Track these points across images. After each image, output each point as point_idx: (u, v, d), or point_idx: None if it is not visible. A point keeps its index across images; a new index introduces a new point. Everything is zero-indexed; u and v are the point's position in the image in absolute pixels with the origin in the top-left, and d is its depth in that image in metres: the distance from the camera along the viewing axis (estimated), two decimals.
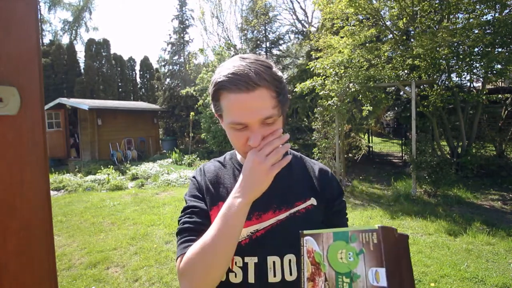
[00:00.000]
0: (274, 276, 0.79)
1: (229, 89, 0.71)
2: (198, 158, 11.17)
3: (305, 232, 0.64)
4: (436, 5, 6.98)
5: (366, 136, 12.73)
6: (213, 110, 0.82)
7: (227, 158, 0.95)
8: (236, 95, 0.70)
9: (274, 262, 0.79)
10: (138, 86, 24.40)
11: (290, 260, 0.80)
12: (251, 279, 0.79)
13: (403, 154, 10.02)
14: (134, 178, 8.82)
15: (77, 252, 3.90)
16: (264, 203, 0.82)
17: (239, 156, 0.92)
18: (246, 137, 0.74)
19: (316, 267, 0.59)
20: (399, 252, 0.50)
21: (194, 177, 0.92)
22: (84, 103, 12.13)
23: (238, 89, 0.70)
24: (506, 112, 7.96)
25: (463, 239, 3.92)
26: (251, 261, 0.79)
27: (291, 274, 0.79)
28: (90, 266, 3.50)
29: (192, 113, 12.87)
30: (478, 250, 3.62)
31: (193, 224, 0.81)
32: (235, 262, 0.80)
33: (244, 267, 0.80)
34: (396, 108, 12.65)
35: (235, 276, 0.80)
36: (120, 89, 22.67)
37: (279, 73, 0.77)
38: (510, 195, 5.91)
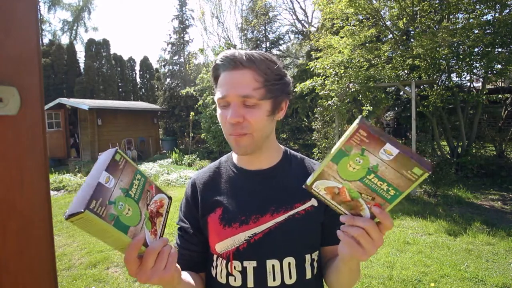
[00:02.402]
0: (274, 280, 0.78)
1: (222, 68, 0.78)
2: (198, 158, 11.17)
3: (307, 182, 0.63)
4: (436, 5, 6.98)
5: None
6: (215, 98, 0.85)
7: (223, 160, 0.94)
8: (225, 72, 0.77)
9: (273, 266, 0.78)
10: (138, 86, 24.39)
11: (289, 264, 0.78)
12: (250, 283, 0.78)
13: None
14: None
15: (77, 252, 3.90)
16: (262, 206, 0.81)
17: (235, 158, 0.91)
18: (226, 116, 0.76)
19: (342, 197, 0.61)
20: (381, 131, 0.58)
21: (185, 192, 0.92)
22: (84, 103, 12.13)
23: (226, 66, 0.76)
24: (506, 112, 7.95)
25: (463, 239, 3.92)
26: (250, 265, 0.78)
27: (290, 278, 0.78)
28: (90, 266, 3.50)
29: (192, 113, 12.87)
30: (478, 250, 3.62)
31: (178, 247, 0.88)
32: (234, 267, 0.79)
33: (243, 271, 0.78)
34: (396, 108, 12.64)
35: (235, 280, 0.79)
36: (120, 89, 22.67)
37: (280, 71, 0.80)
38: (510, 195, 5.91)
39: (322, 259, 0.87)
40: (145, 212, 0.60)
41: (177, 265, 0.69)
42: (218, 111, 0.80)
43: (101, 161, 0.58)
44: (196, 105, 12.30)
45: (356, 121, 0.56)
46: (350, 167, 0.58)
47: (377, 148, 0.56)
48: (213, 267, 0.84)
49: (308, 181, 0.63)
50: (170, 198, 0.69)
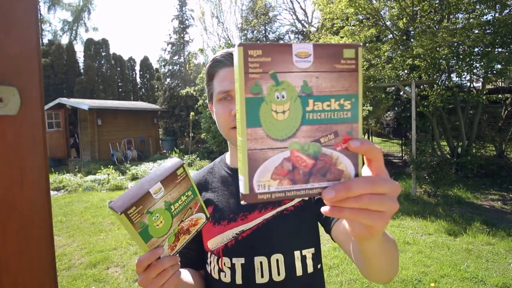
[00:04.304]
0: (262, 276, 0.78)
1: (223, 64, 0.79)
2: (198, 158, 11.17)
3: (243, 192, 0.37)
4: (436, 5, 6.99)
5: (366, 136, 12.74)
6: (206, 94, 0.87)
7: (216, 162, 0.98)
8: (228, 68, 0.79)
9: (261, 263, 0.79)
10: (138, 86, 24.41)
11: (277, 260, 0.79)
12: (239, 280, 0.79)
13: (403, 154, 10.03)
14: (134, 178, 8.82)
15: (77, 252, 3.90)
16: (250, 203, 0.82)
17: (228, 159, 0.94)
18: (230, 109, 0.78)
19: (303, 167, 0.38)
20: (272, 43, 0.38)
21: None
22: (84, 103, 12.13)
23: (228, 63, 0.79)
24: (506, 112, 7.96)
25: (463, 239, 3.92)
26: (238, 262, 0.79)
27: (279, 274, 0.78)
28: (90, 266, 3.50)
29: (192, 113, 12.87)
30: (478, 250, 3.62)
31: None
32: (224, 263, 0.81)
33: (232, 268, 0.80)
34: (396, 108, 12.65)
35: (225, 276, 0.81)
36: (120, 89, 22.69)
37: None
38: (510, 195, 5.91)
39: (341, 245, 0.77)
40: (175, 227, 0.62)
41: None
42: (217, 106, 0.81)
43: (162, 169, 0.60)
44: (196, 105, 12.30)
45: (235, 47, 0.36)
46: (279, 114, 0.36)
47: (287, 58, 0.36)
48: (208, 264, 0.87)
49: (244, 190, 0.37)
50: (208, 218, 0.70)
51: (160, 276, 0.61)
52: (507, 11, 6.47)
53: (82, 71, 21.00)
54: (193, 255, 0.89)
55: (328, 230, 0.81)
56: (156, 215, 0.58)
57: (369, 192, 0.38)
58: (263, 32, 15.26)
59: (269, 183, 0.37)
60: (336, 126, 0.38)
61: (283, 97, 0.36)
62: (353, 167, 0.39)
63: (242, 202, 0.38)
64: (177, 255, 0.65)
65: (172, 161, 0.62)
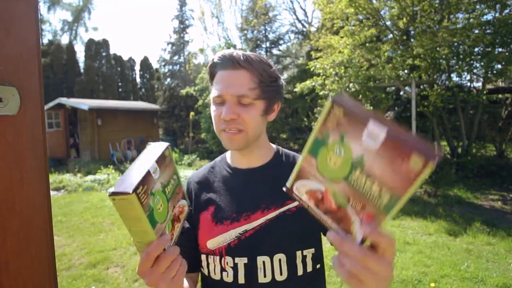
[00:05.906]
0: (264, 276, 0.78)
1: (219, 67, 0.80)
2: (198, 158, 11.17)
3: (287, 184, 0.50)
4: (436, 5, 6.98)
5: None
6: (211, 95, 0.87)
7: (217, 160, 0.98)
8: (222, 71, 0.80)
9: (264, 262, 0.79)
10: (138, 86, 24.40)
11: (280, 260, 0.79)
12: (241, 279, 0.79)
13: None
14: None
15: (77, 252, 3.90)
16: (253, 203, 0.83)
17: (228, 157, 0.94)
18: (220, 112, 0.79)
19: (327, 205, 0.47)
20: (363, 107, 0.42)
21: None
22: (84, 103, 12.13)
23: (224, 66, 0.79)
24: (506, 112, 7.96)
25: (463, 239, 3.92)
26: (241, 261, 0.79)
27: (281, 274, 0.79)
28: (90, 266, 3.50)
29: (192, 113, 12.87)
30: (478, 250, 3.62)
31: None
32: (227, 262, 0.80)
33: (235, 268, 0.80)
34: (396, 108, 12.64)
35: (227, 276, 0.81)
36: (120, 89, 22.68)
37: (275, 73, 0.84)
38: (510, 195, 5.91)
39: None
40: (170, 213, 0.58)
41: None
42: (212, 107, 0.82)
43: (151, 151, 0.57)
44: (196, 105, 12.31)
45: (331, 97, 0.42)
46: (331, 162, 0.43)
47: (359, 130, 0.40)
48: (206, 266, 0.85)
49: (288, 183, 0.50)
50: (189, 206, 0.68)
51: (169, 268, 0.55)
52: (507, 11, 6.47)
53: (82, 71, 21.00)
54: (186, 256, 0.87)
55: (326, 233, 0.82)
56: (157, 197, 0.53)
57: (359, 263, 0.43)
58: (263, 32, 15.25)
59: (303, 193, 0.49)
60: (367, 203, 0.42)
61: (341, 153, 0.43)
62: (361, 238, 0.44)
63: (284, 189, 0.51)
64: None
65: (157, 144, 0.60)
